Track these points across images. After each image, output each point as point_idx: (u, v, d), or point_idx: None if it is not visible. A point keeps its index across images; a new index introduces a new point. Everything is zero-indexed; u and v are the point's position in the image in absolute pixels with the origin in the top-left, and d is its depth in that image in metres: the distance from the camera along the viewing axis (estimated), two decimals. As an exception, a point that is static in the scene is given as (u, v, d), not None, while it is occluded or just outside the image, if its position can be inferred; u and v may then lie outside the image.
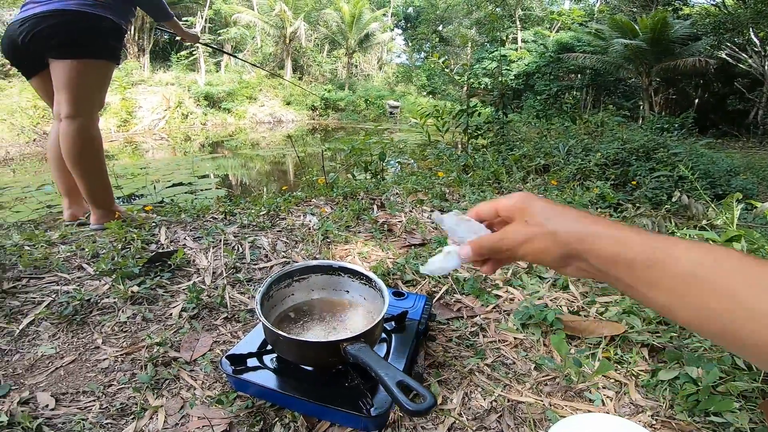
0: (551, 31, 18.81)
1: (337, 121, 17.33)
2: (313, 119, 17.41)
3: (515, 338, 1.10)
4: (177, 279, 1.30)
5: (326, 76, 20.50)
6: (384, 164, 3.04)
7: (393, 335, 0.98)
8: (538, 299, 1.26)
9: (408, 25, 30.05)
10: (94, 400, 0.85)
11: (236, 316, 1.16)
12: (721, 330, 0.35)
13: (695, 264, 0.36)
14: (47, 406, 0.82)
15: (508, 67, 16.87)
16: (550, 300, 1.27)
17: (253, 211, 1.83)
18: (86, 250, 1.40)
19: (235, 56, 8.87)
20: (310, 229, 1.73)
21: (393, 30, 25.68)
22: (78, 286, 1.21)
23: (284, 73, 18.38)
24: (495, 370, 0.98)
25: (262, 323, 0.83)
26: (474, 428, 0.82)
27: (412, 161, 4.09)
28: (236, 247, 1.50)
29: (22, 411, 0.79)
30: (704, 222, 2.13)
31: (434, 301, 1.26)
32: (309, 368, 0.88)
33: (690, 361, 0.91)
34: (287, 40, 18.46)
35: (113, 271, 1.25)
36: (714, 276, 0.35)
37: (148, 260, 1.30)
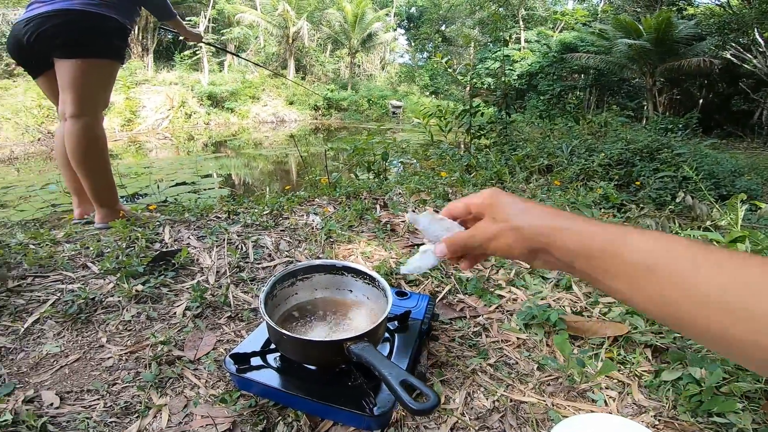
0: (554, 31, 18.79)
1: (340, 120, 17.33)
2: (316, 119, 17.42)
3: (518, 338, 1.10)
4: (181, 278, 1.31)
5: (329, 76, 20.49)
6: (387, 164, 3.03)
7: (396, 335, 0.98)
8: (541, 299, 1.26)
9: (411, 24, 30.04)
10: (98, 399, 0.85)
11: (240, 315, 1.16)
12: (677, 317, 0.35)
13: (647, 252, 0.37)
14: (52, 404, 0.83)
15: (511, 67, 16.80)
16: (553, 300, 1.27)
17: (256, 210, 1.83)
18: (91, 248, 1.41)
19: (238, 56, 8.90)
20: (313, 228, 1.73)
21: (396, 30, 25.62)
22: (83, 284, 1.21)
23: (287, 73, 18.39)
24: (498, 370, 0.98)
25: (266, 322, 0.83)
26: (476, 428, 0.82)
27: (415, 161, 4.09)
28: (240, 247, 1.50)
29: (27, 409, 0.79)
30: (708, 223, 2.12)
31: (437, 300, 1.26)
32: (312, 367, 0.88)
33: (693, 362, 0.91)
34: (290, 39, 18.47)
35: (118, 270, 1.26)
36: (665, 263, 0.35)
37: (152, 259, 1.30)
